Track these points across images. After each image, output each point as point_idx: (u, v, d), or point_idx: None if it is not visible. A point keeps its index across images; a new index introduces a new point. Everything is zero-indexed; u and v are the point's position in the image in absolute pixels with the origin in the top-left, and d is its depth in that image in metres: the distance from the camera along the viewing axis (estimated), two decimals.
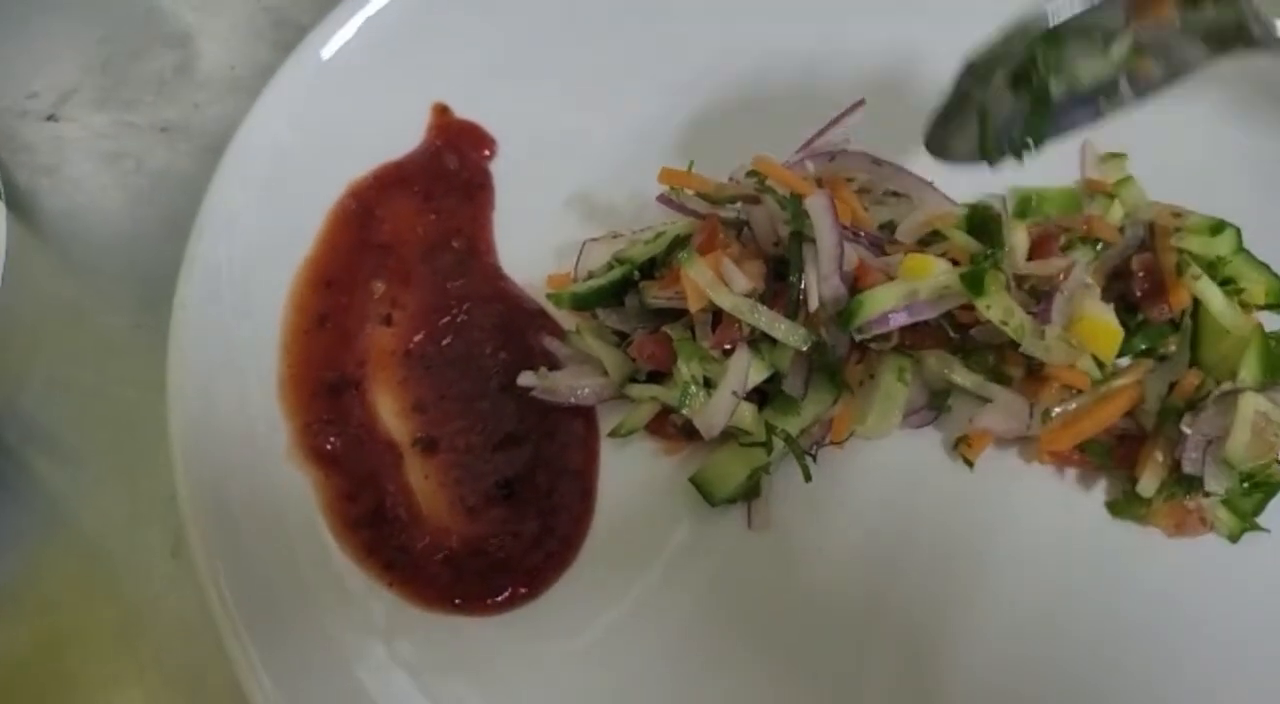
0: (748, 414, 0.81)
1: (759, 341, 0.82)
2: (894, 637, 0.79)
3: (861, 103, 0.95)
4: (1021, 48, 0.77)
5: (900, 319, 0.81)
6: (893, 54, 1.01)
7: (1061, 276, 0.81)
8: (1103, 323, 0.79)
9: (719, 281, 0.81)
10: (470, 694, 0.76)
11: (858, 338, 0.82)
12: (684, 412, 0.79)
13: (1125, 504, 0.82)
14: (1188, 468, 0.77)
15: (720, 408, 0.79)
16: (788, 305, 0.82)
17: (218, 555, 0.74)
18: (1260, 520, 0.80)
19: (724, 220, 0.86)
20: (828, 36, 1.02)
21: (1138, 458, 0.81)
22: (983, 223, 0.84)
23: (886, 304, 0.81)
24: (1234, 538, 0.80)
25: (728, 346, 0.82)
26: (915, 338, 0.86)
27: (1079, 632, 0.79)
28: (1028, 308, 0.81)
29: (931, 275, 0.81)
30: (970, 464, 0.86)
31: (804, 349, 0.81)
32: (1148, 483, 0.79)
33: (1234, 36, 0.75)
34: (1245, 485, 0.78)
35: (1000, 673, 0.78)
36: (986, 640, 0.79)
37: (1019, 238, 0.80)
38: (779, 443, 0.81)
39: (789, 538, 0.82)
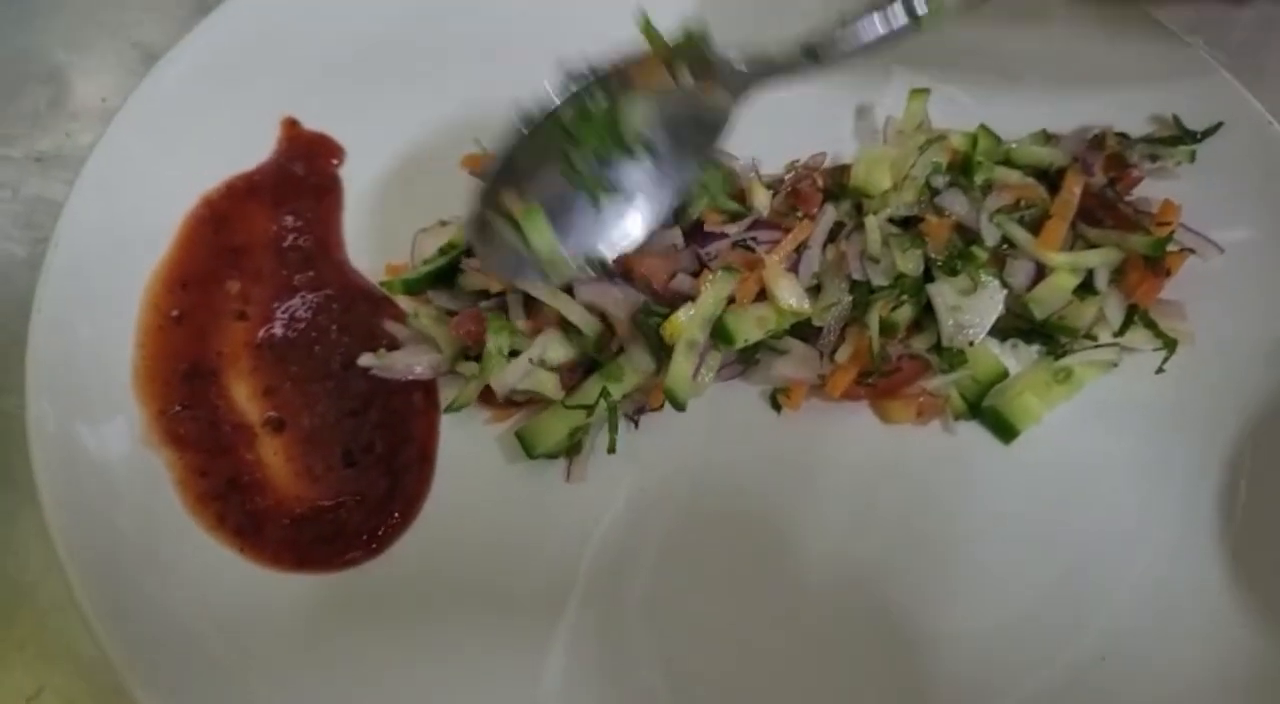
0: (547, 382, 0.89)
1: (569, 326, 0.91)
2: (702, 572, 0.88)
3: None
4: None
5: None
6: None
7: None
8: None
9: None
10: (320, 651, 0.83)
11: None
12: (485, 376, 0.87)
13: (886, 407, 0.96)
14: (856, 275, 0.93)
15: (514, 371, 0.87)
16: None
17: (75, 537, 0.81)
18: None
19: None
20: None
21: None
22: None
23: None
24: (963, 416, 0.95)
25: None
26: None
27: (882, 536, 0.91)
28: None
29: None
30: (778, 410, 0.96)
31: (592, 337, 0.90)
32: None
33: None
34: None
35: (813, 583, 0.88)
36: (797, 556, 0.89)
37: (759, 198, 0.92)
38: (600, 406, 0.89)
39: (605, 490, 0.91)
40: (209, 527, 0.86)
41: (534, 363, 0.87)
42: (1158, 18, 1.10)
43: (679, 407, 0.88)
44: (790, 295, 0.89)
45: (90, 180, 0.96)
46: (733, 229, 0.95)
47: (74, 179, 0.97)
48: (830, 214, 0.95)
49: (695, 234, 0.95)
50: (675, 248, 0.92)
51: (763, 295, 0.91)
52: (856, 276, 0.92)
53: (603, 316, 0.90)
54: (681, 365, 0.87)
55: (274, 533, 0.86)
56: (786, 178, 0.94)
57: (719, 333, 0.90)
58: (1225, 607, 0.85)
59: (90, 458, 0.85)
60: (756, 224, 0.96)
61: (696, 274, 0.91)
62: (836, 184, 1.02)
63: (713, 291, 0.88)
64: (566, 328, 0.90)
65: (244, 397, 0.92)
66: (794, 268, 0.92)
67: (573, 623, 0.85)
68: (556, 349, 0.89)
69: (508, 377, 0.87)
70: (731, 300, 0.90)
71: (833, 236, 0.97)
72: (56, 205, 1.03)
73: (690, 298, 0.89)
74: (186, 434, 0.88)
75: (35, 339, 0.87)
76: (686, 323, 0.87)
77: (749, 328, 0.90)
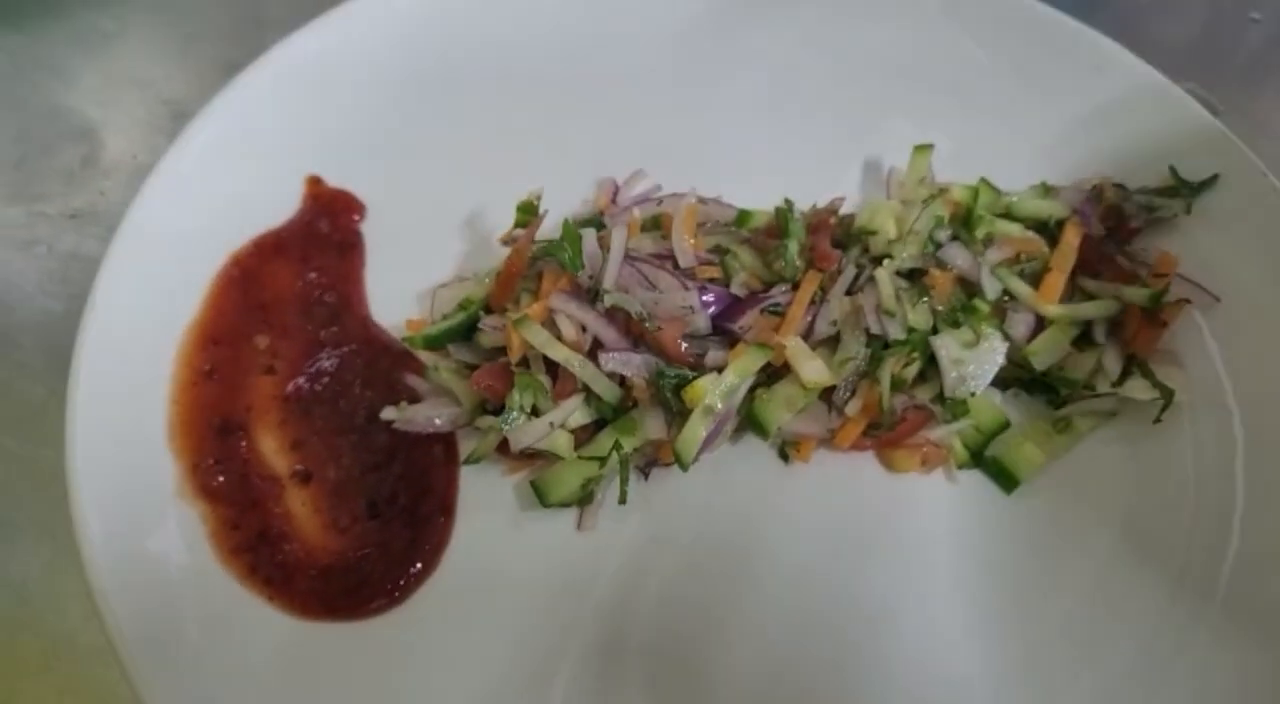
0: (562, 442, 0.93)
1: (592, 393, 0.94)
2: (709, 620, 0.91)
3: (640, 171, 1.10)
4: None
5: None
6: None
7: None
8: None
9: (552, 340, 0.93)
10: (349, 693, 0.86)
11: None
12: (503, 429, 0.91)
13: (891, 457, 0.99)
14: (874, 329, 0.96)
15: (534, 431, 0.91)
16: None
17: (115, 588, 0.85)
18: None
19: (552, 251, 0.98)
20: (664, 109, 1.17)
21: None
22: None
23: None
24: (965, 465, 0.98)
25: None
26: None
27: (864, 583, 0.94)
28: None
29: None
30: (786, 460, 0.99)
31: (614, 404, 0.93)
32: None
33: None
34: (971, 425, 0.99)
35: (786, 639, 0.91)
36: (801, 605, 0.92)
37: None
38: (612, 459, 0.93)
39: (616, 539, 0.94)
40: (241, 577, 0.89)
41: (554, 426, 0.91)
42: (1156, 70, 1.14)
43: (684, 467, 0.92)
44: (815, 374, 0.93)
45: (125, 241, 0.99)
46: (769, 294, 1.00)
47: (107, 236, 1.01)
48: (850, 271, 0.99)
49: (721, 298, 0.99)
50: (691, 310, 0.95)
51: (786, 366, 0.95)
52: (874, 330, 0.96)
53: (622, 380, 0.93)
54: (695, 429, 0.90)
55: (303, 583, 0.90)
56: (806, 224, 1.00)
57: (752, 424, 0.94)
58: (1221, 651, 0.88)
59: (129, 514, 0.88)
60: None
61: (730, 344, 0.96)
62: (844, 233, 1.06)
63: (741, 365, 0.92)
64: (588, 393, 0.94)
65: (272, 450, 0.96)
66: (809, 320, 0.97)
67: (580, 666, 0.89)
68: (579, 416, 0.93)
69: (527, 435, 0.90)
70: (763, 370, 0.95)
71: (847, 288, 1.01)
72: (91, 261, 1.07)
73: (717, 369, 0.93)
74: (219, 488, 0.92)
75: (74, 398, 0.91)
76: (709, 389, 0.91)
77: (778, 412, 0.94)
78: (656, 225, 1.06)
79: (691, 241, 1.02)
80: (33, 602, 0.96)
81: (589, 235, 0.99)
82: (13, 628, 0.95)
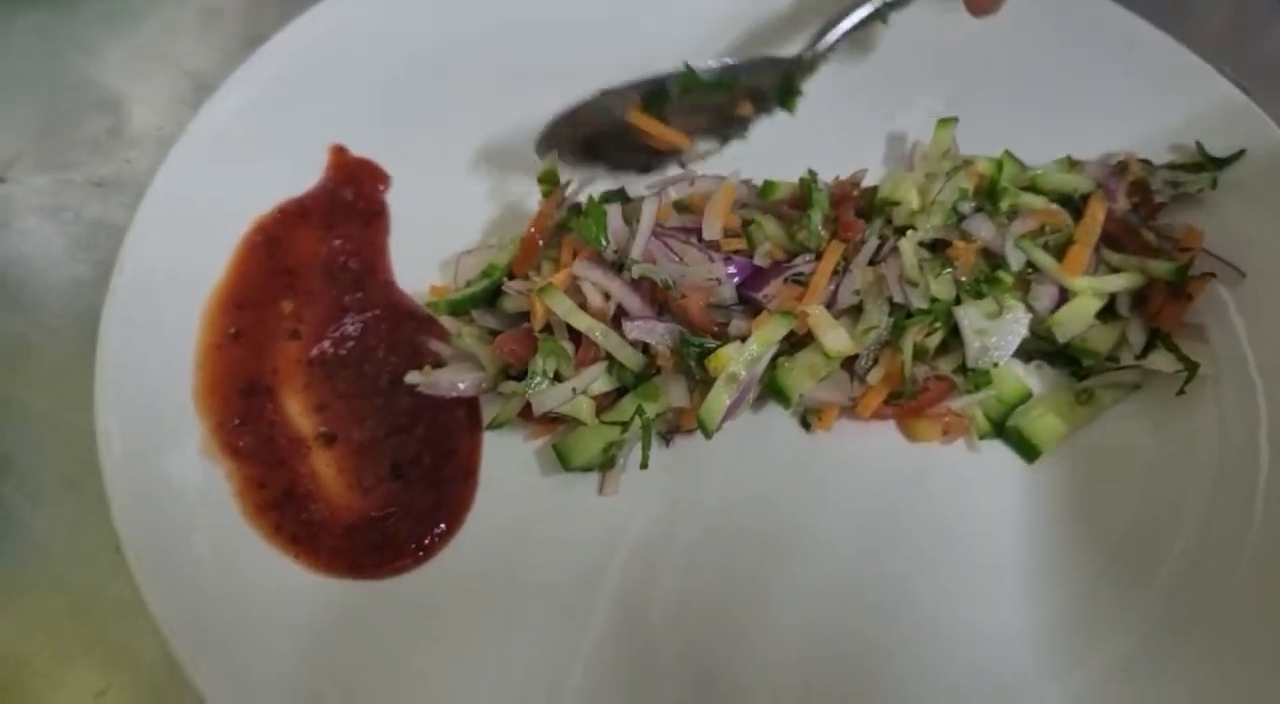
0: (584, 407, 0.93)
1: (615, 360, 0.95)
2: (728, 584, 0.92)
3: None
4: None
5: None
6: None
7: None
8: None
9: (576, 309, 0.93)
10: (372, 650, 0.87)
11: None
12: (526, 393, 0.91)
13: (912, 426, 0.99)
14: (896, 298, 0.96)
15: (556, 395, 0.91)
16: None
17: (143, 543, 0.86)
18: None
19: (577, 228, 0.98)
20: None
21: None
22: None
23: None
24: (987, 435, 0.98)
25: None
26: None
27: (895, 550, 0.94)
28: None
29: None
30: (808, 428, 0.99)
31: (636, 371, 0.94)
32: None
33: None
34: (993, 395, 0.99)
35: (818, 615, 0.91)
36: (822, 569, 0.93)
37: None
38: (634, 424, 0.93)
39: (637, 503, 0.95)
40: (266, 535, 0.90)
41: (576, 392, 0.91)
42: (1183, 45, 1.13)
43: (708, 435, 0.92)
44: (838, 343, 0.92)
45: (151, 207, 1.00)
46: (793, 263, 1.00)
47: (133, 203, 1.02)
48: (874, 241, 0.99)
49: (745, 268, 0.99)
50: (718, 281, 0.95)
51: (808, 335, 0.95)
52: (897, 299, 0.96)
53: (645, 347, 0.94)
54: (719, 396, 0.91)
55: (327, 541, 0.90)
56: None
57: (774, 392, 0.94)
58: (1243, 622, 0.87)
59: (156, 469, 0.90)
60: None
61: (753, 313, 0.96)
62: (867, 204, 1.06)
63: (765, 334, 0.92)
64: (611, 360, 0.94)
65: (297, 412, 0.97)
66: (833, 290, 0.97)
67: (602, 628, 0.89)
68: (601, 383, 0.93)
69: (549, 400, 0.91)
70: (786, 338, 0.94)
71: (870, 258, 1.00)
72: (117, 228, 1.08)
73: (740, 338, 0.93)
74: (244, 447, 0.93)
75: (103, 358, 0.92)
76: (733, 357, 0.91)
77: (801, 380, 0.94)
78: (685, 207, 1.06)
79: (723, 222, 1.02)
80: (59, 558, 0.97)
81: (614, 211, 0.99)
82: (39, 584, 0.96)
